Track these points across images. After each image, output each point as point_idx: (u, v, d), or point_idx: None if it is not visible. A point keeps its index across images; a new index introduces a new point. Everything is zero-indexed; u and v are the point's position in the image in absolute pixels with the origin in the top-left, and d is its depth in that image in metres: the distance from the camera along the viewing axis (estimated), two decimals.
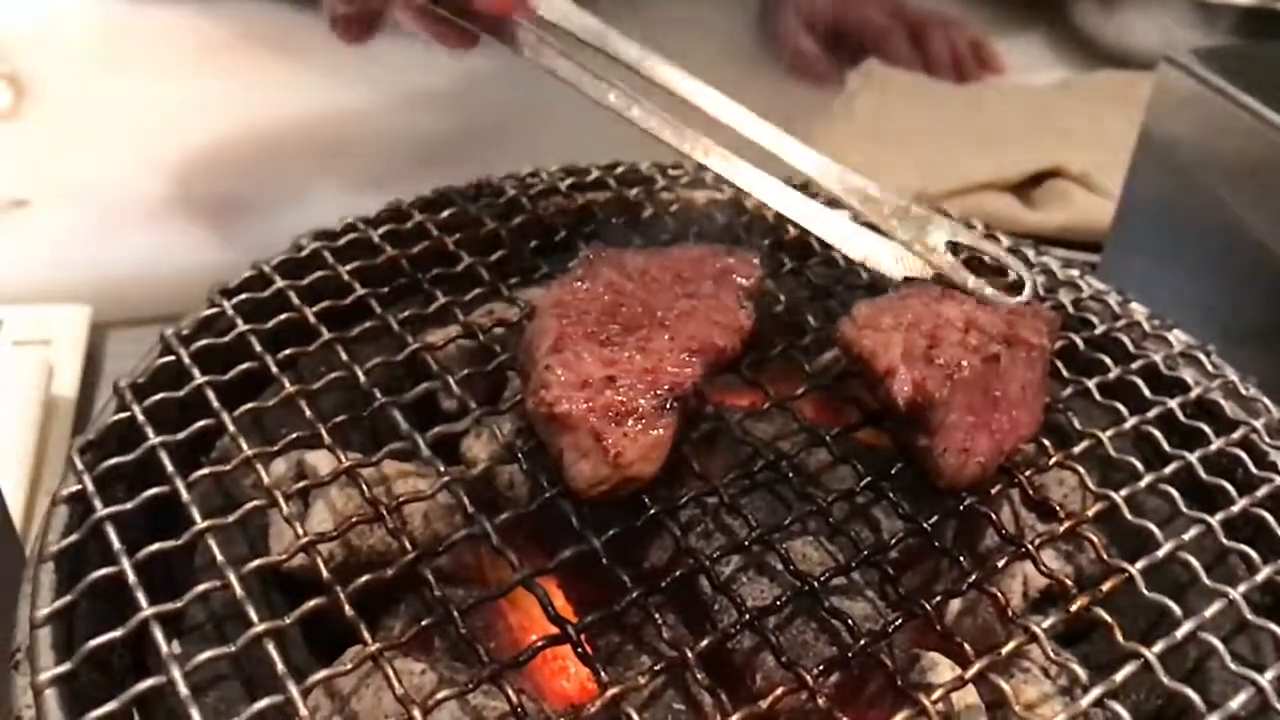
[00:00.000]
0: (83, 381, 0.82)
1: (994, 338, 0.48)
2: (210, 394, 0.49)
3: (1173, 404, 0.54)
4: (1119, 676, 0.39)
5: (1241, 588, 0.44)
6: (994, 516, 0.46)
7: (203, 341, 0.53)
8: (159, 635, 0.38)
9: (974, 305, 0.51)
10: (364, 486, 0.45)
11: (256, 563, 0.42)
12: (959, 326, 0.48)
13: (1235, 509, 0.48)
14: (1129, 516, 0.47)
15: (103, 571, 0.41)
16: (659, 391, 0.43)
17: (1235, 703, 0.39)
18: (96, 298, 0.88)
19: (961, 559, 0.44)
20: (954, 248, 0.55)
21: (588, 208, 0.68)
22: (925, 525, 0.45)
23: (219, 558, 0.41)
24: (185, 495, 0.44)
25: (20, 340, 0.83)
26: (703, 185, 0.72)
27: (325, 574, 0.41)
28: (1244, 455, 0.52)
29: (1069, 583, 0.44)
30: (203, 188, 1.01)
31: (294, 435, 0.47)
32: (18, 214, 0.98)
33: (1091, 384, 0.55)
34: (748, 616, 0.41)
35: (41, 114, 1.11)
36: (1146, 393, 0.55)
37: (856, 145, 1.12)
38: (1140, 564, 0.44)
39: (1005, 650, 0.40)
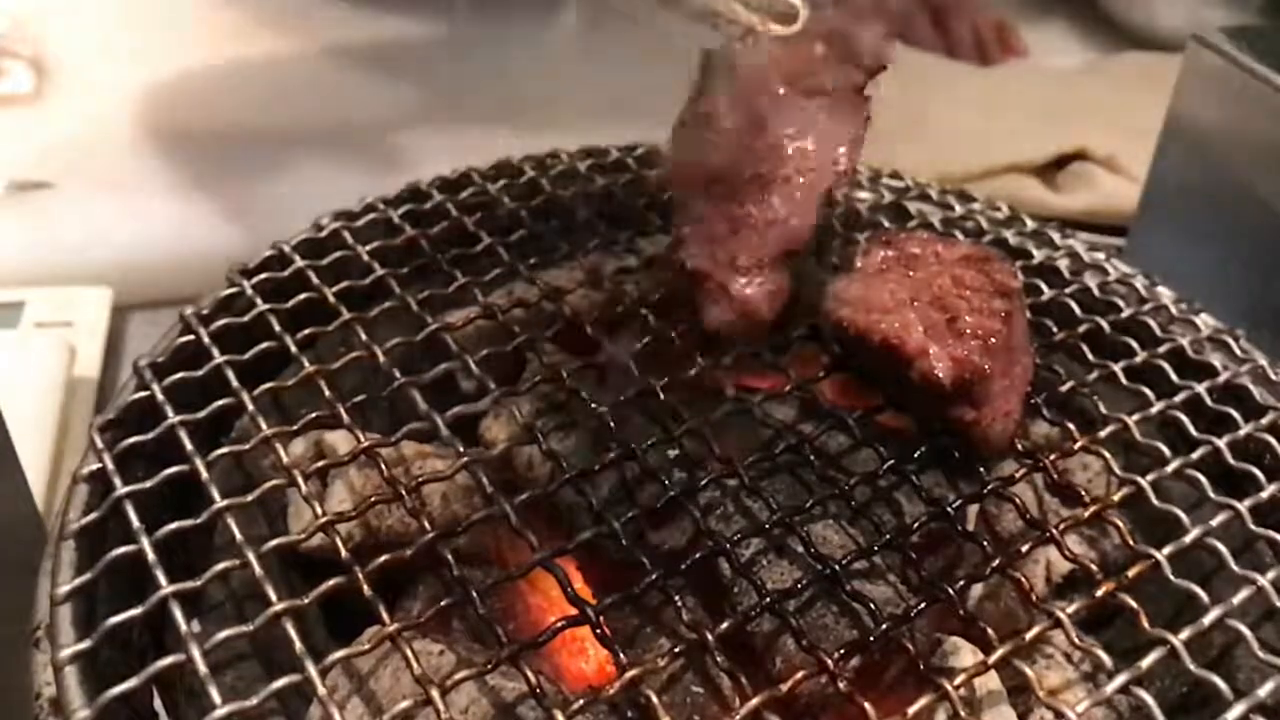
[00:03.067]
0: (104, 363, 0.82)
1: (990, 293, 0.48)
2: (229, 373, 0.49)
3: (1200, 388, 0.53)
4: (1144, 663, 0.39)
5: (1270, 574, 0.43)
6: (1018, 501, 0.46)
7: (222, 321, 0.53)
8: (178, 614, 0.38)
9: (937, 262, 0.51)
10: (383, 467, 0.45)
11: (275, 542, 0.41)
12: (953, 290, 0.48)
13: (1264, 495, 0.47)
14: (1155, 502, 0.46)
15: (122, 549, 0.41)
16: (777, 245, 0.49)
17: (1263, 691, 0.39)
18: (118, 280, 0.89)
19: (985, 543, 0.44)
20: None
21: (607, 189, 0.68)
22: (948, 509, 0.44)
23: (238, 537, 0.41)
24: (204, 474, 0.44)
25: (43, 322, 0.84)
26: None
27: (344, 554, 0.41)
28: (1273, 441, 0.51)
29: (1094, 568, 0.43)
30: (223, 169, 1.02)
31: (313, 415, 0.47)
32: (40, 196, 0.98)
33: (1117, 368, 0.54)
34: (768, 599, 0.40)
35: (63, 97, 1.11)
36: (1174, 377, 0.54)
37: (878, 128, 1.11)
38: (1167, 550, 0.43)
39: (1029, 635, 0.39)
